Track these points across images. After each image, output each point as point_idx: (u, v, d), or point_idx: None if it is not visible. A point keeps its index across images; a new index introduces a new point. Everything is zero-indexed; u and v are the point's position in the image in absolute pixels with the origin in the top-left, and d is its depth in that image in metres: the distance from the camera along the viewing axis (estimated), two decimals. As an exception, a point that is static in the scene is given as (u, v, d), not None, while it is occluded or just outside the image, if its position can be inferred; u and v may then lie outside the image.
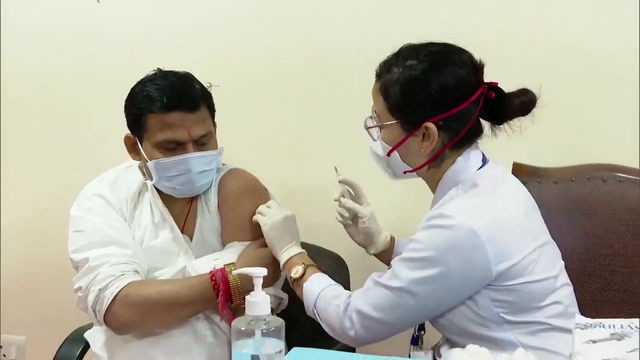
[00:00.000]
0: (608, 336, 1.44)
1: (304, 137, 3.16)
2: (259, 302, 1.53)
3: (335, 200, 2.50)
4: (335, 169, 2.52)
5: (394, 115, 2.14)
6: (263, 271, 1.64)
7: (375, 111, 2.18)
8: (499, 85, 2.14)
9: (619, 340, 1.43)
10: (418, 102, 2.10)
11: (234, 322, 1.56)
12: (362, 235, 2.52)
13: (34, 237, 3.37)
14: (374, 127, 2.20)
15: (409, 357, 2.28)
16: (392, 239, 2.56)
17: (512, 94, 2.14)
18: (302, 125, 3.21)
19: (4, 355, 3.43)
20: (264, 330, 1.51)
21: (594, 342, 1.43)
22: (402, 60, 2.13)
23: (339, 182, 2.50)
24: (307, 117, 3.19)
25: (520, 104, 2.13)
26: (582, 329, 1.48)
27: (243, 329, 1.52)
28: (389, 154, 2.16)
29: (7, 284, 3.43)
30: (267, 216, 2.38)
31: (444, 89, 2.08)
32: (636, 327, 1.46)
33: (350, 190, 2.52)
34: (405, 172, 2.18)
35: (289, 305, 2.45)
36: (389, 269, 2.29)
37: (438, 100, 2.08)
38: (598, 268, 2.46)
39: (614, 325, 1.48)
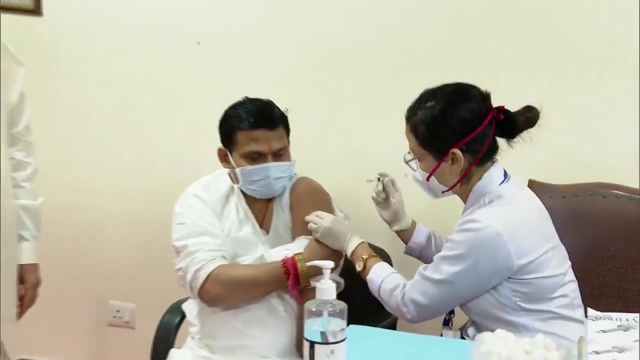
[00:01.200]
0: (615, 327, 1.40)
1: (355, 148, 2.96)
2: (327, 289, 1.53)
3: (377, 179, 2.45)
4: (378, 177, 2.45)
5: (425, 148, 2.12)
6: (331, 264, 1.64)
7: (410, 147, 2.16)
8: (504, 107, 2.11)
9: (625, 331, 1.40)
10: (442, 135, 2.08)
11: (306, 304, 1.55)
12: (391, 214, 2.46)
13: (144, 226, 3.27)
14: (411, 160, 2.18)
15: (441, 335, 2.22)
16: (414, 223, 2.50)
17: (517, 113, 2.11)
18: (353, 134, 3.01)
19: (120, 318, 3.41)
20: (330, 312, 1.51)
21: (604, 332, 1.40)
22: (424, 103, 2.11)
23: (379, 174, 2.45)
24: (357, 126, 2.98)
25: (525, 120, 2.10)
26: (594, 320, 1.44)
27: (314, 309, 1.52)
28: (427, 179, 2.13)
29: (124, 262, 3.37)
30: (317, 226, 2.32)
31: (461, 121, 2.06)
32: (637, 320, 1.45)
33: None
34: (443, 192, 2.15)
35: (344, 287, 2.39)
36: (405, 252, 2.47)
37: (458, 130, 2.06)
38: (597, 268, 2.40)
39: (620, 319, 1.44)
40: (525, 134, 2.10)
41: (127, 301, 3.44)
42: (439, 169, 2.11)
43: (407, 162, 2.21)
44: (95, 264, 3.39)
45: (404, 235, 2.50)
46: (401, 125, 2.21)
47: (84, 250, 3.41)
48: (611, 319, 1.44)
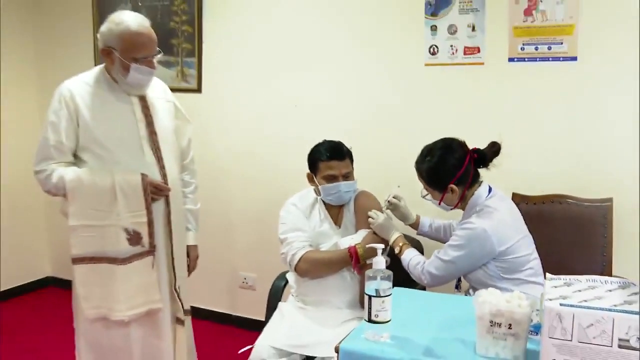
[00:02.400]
0: (562, 284, 1.41)
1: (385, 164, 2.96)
2: (380, 262, 1.60)
3: (387, 202, 2.45)
4: (398, 186, 2.49)
5: (432, 187, 2.18)
6: (381, 245, 1.72)
7: (423, 187, 2.21)
8: (477, 148, 2.15)
9: (568, 286, 1.40)
10: (440, 179, 2.13)
11: (366, 272, 1.60)
12: (401, 216, 2.49)
13: (262, 223, 3.33)
14: (426, 195, 2.22)
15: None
16: (418, 217, 2.52)
17: (486, 149, 2.15)
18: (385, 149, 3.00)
19: (246, 282, 3.50)
20: (382, 277, 1.56)
21: (555, 287, 1.38)
22: (425, 158, 2.16)
23: (393, 197, 2.45)
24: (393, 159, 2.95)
25: (492, 152, 2.14)
26: (549, 280, 1.45)
27: (371, 275, 1.57)
28: (439, 204, 2.20)
29: (249, 247, 3.45)
30: (374, 220, 2.36)
31: (451, 167, 2.11)
32: (602, 281, 1.42)
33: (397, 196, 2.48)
34: (451, 209, 2.21)
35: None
36: (417, 234, 2.50)
37: (450, 173, 2.11)
38: (555, 249, 2.38)
39: (565, 278, 1.45)
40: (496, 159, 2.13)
41: (251, 272, 3.50)
42: (444, 197, 2.15)
43: (423, 197, 2.24)
44: (231, 248, 3.47)
45: (413, 226, 2.53)
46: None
47: (224, 238, 3.47)
48: (560, 279, 1.44)
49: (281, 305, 2.46)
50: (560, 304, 1.30)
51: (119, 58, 2.04)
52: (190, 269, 2.41)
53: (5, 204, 3.87)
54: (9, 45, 3.89)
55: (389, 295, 1.56)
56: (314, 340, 2.19)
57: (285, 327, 2.29)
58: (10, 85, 3.90)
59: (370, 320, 1.55)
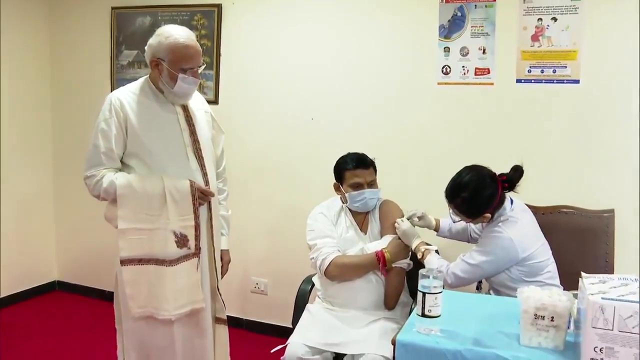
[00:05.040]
0: (620, 284, 1.52)
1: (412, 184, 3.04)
2: (432, 262, 1.81)
3: (411, 215, 2.53)
4: (414, 213, 2.54)
5: (467, 217, 2.27)
6: (435, 247, 1.84)
7: (456, 214, 2.28)
8: (504, 174, 2.23)
9: (603, 283, 1.53)
10: (476, 212, 2.22)
11: (420, 271, 1.69)
12: (424, 223, 2.57)
13: (279, 234, 3.40)
14: (458, 220, 2.31)
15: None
16: (437, 221, 2.60)
17: (511, 174, 2.23)
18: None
19: (258, 287, 3.54)
20: (434, 276, 1.67)
21: (615, 287, 1.49)
22: (460, 192, 2.21)
23: (418, 217, 2.54)
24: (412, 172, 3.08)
25: (517, 176, 2.23)
26: (586, 278, 1.57)
27: (424, 274, 1.67)
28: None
29: (262, 255, 3.48)
30: (399, 227, 2.44)
31: (486, 199, 2.19)
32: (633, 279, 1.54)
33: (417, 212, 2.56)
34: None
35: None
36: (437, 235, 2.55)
37: (485, 205, 2.20)
38: (561, 256, 2.39)
39: (601, 277, 1.57)
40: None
41: (263, 277, 3.54)
42: (476, 221, 2.28)
43: (455, 222, 2.34)
44: (244, 253, 3.42)
45: (435, 229, 2.61)
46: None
47: (238, 244, 3.11)
48: (595, 277, 1.56)
49: (309, 306, 2.54)
50: (602, 298, 1.46)
51: (167, 68, 2.13)
52: (223, 272, 2.47)
53: (14, 208, 3.88)
54: (25, 62, 3.94)
55: (440, 292, 1.67)
56: (345, 339, 2.28)
57: (317, 327, 2.37)
58: (24, 97, 3.94)
59: (423, 315, 1.67)
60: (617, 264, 2.55)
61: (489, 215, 2.21)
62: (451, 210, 2.29)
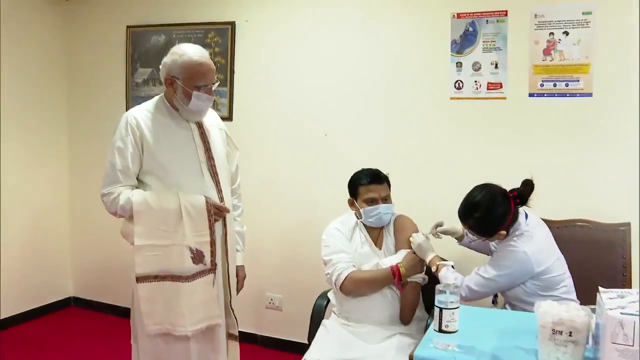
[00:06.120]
0: (616, 296, 1.50)
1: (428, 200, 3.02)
2: (447, 277, 1.78)
3: (437, 227, 2.54)
4: (440, 223, 2.56)
5: (481, 236, 2.27)
6: (451, 262, 1.82)
7: (471, 233, 2.29)
8: (515, 190, 2.22)
9: (622, 298, 1.49)
10: (490, 231, 2.22)
11: (437, 286, 1.66)
12: (452, 233, 2.57)
13: (293, 250, 3.41)
14: (474, 240, 2.32)
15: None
16: (464, 231, 2.53)
17: (521, 189, 2.21)
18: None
19: (273, 303, 3.55)
20: (450, 291, 1.65)
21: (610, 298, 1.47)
22: (473, 213, 2.21)
23: (437, 225, 2.56)
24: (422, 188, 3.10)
25: (527, 191, 2.21)
26: (604, 292, 1.53)
27: (441, 289, 1.65)
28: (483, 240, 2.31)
29: (275, 271, 3.49)
30: (414, 241, 2.44)
31: (499, 217, 2.19)
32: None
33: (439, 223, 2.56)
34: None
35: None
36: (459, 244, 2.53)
37: (499, 224, 2.20)
38: (577, 269, 2.38)
39: (616, 291, 1.53)
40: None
41: (277, 293, 3.55)
42: (491, 239, 2.28)
43: (471, 242, 2.34)
44: (258, 269, 3.32)
45: (459, 239, 2.60)
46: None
47: (252, 259, 3.13)
48: (612, 292, 1.53)
49: (325, 322, 2.53)
50: (621, 313, 1.44)
51: (182, 86, 2.16)
52: (239, 287, 2.47)
53: (30, 224, 3.92)
54: (43, 80, 4.00)
55: (457, 307, 1.65)
56: (361, 355, 2.27)
57: (333, 342, 2.36)
58: (42, 113, 4.00)
59: (440, 330, 1.64)
60: (634, 277, 2.54)
61: (504, 232, 2.21)
62: (466, 231, 2.29)
